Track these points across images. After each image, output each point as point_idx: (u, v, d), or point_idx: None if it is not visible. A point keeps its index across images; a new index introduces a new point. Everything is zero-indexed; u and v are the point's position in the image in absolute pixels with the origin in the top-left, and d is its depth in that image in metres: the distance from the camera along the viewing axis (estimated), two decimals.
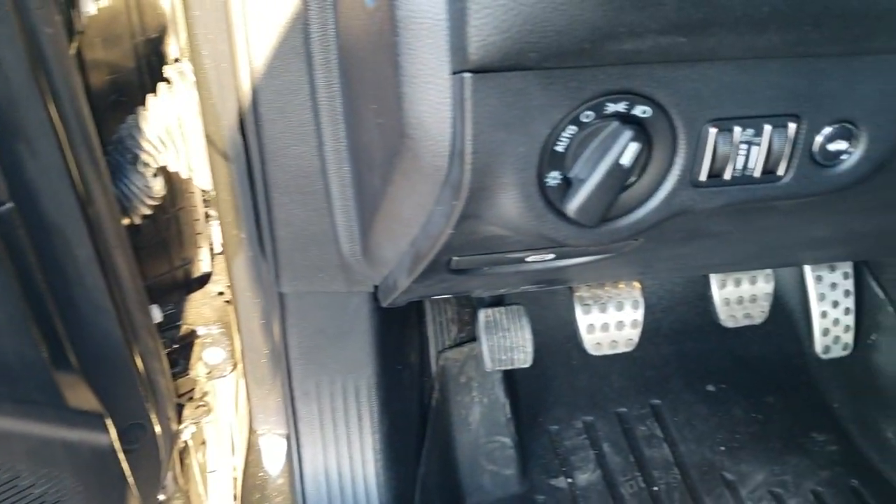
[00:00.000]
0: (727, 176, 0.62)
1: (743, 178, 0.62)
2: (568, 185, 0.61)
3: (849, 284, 1.52)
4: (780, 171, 0.62)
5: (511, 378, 1.54)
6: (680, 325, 1.68)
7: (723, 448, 1.51)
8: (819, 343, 1.52)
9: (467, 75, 0.53)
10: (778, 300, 1.68)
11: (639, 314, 1.36)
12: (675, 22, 0.51)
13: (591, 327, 1.36)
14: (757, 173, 0.62)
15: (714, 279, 1.42)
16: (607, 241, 0.64)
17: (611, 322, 1.36)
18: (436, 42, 0.54)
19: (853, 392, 1.56)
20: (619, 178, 0.59)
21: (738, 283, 1.42)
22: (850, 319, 1.52)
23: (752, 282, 1.43)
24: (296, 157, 0.90)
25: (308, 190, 0.93)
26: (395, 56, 0.58)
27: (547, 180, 0.60)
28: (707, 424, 1.55)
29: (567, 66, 0.54)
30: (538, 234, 0.63)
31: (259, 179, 0.94)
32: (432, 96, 0.57)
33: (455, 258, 0.76)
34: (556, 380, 1.65)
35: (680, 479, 1.46)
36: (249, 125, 0.90)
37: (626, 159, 0.58)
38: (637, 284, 1.38)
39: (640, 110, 0.57)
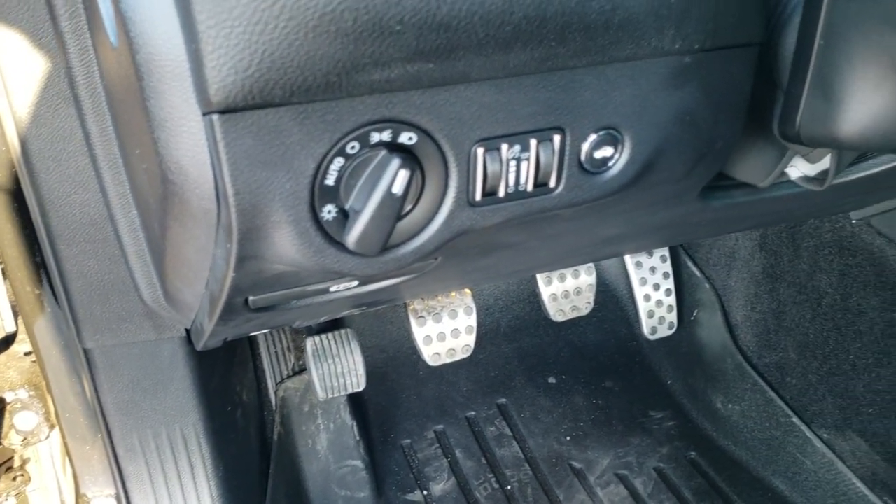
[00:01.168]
0: (501, 193, 0.62)
1: (517, 194, 0.63)
2: (345, 216, 0.59)
3: (667, 267, 1.60)
4: (552, 184, 0.63)
5: (358, 398, 1.52)
6: (517, 323, 1.71)
7: (569, 438, 1.55)
8: (646, 325, 1.58)
9: (216, 117, 0.51)
10: (605, 288, 1.75)
11: (472, 319, 1.37)
12: (418, 49, 0.51)
13: (427, 339, 1.36)
14: (529, 188, 0.63)
15: (539, 277, 1.45)
16: (394, 268, 0.63)
17: (446, 331, 1.36)
18: (180, 85, 0.52)
19: (683, 368, 1.64)
20: (393, 207, 0.58)
21: (562, 278, 1.46)
22: (671, 300, 1.60)
23: (576, 276, 1.47)
24: (79, 206, 0.85)
25: (98, 238, 0.87)
26: (143, 100, 0.54)
27: (322, 214, 0.58)
28: (552, 416, 1.59)
29: (319, 100, 0.52)
30: (322, 269, 0.61)
31: (43, 233, 0.87)
32: (186, 139, 0.54)
33: (251, 297, 0.73)
34: (405, 392, 1.64)
35: (531, 475, 1.49)
36: (24, 177, 0.84)
37: (398, 188, 0.57)
38: (468, 291, 1.39)
39: (406, 137, 0.57)
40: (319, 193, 0.57)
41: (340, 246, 0.60)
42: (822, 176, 0.88)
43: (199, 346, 0.95)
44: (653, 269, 1.59)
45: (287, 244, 0.59)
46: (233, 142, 0.52)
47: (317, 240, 0.59)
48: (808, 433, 1.35)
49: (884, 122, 0.62)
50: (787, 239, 1.36)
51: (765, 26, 0.68)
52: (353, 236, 0.59)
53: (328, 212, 0.58)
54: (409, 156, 0.57)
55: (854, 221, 1.24)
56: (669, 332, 1.60)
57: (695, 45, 0.61)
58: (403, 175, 0.57)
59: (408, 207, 0.60)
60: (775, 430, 1.41)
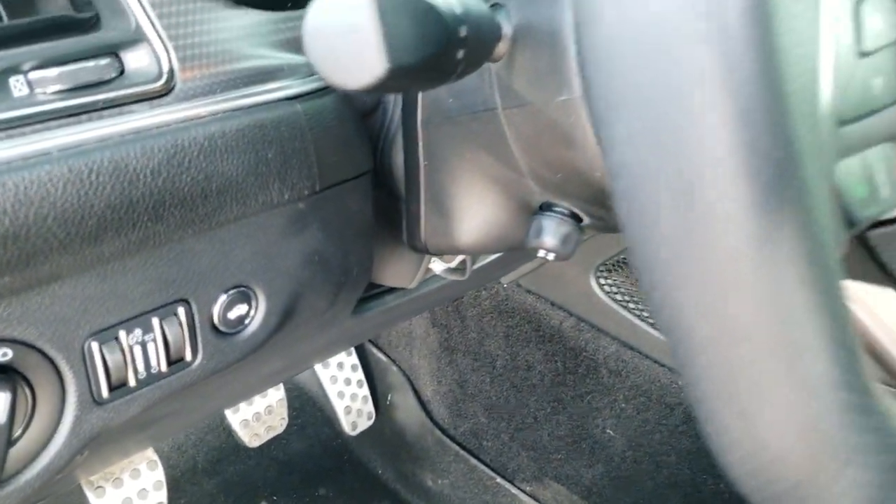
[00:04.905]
0: (132, 383, 0.56)
1: (151, 378, 0.57)
2: None
3: (353, 359, 1.60)
4: (188, 357, 0.59)
5: None
6: (215, 454, 1.61)
7: None
8: (345, 422, 1.57)
9: None
10: (300, 392, 1.71)
11: (159, 473, 1.26)
12: None
13: None
14: (164, 368, 0.57)
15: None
16: (18, 500, 0.54)
17: (132, 495, 1.23)
18: None
19: (390, 454, 1.65)
20: None
21: (250, 401, 1.40)
22: (364, 390, 1.60)
23: (263, 395, 1.42)
24: None
25: None
26: None
27: None
28: None
29: None
30: None
31: None
32: None
33: None
34: None
35: None
36: None
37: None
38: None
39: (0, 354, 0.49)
40: None
41: None
42: (462, 266, 0.93)
43: None
44: (340, 365, 1.58)
45: None
46: None
47: None
48: (514, 490, 1.42)
49: (494, 229, 0.66)
50: (454, 312, 1.43)
51: (372, 153, 0.70)
52: None
53: None
54: (7, 374, 0.50)
55: (506, 285, 1.34)
56: (369, 423, 1.60)
57: (304, 192, 0.60)
58: (4, 399, 0.49)
59: (18, 431, 0.52)
60: (484, 494, 1.46)
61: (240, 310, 0.61)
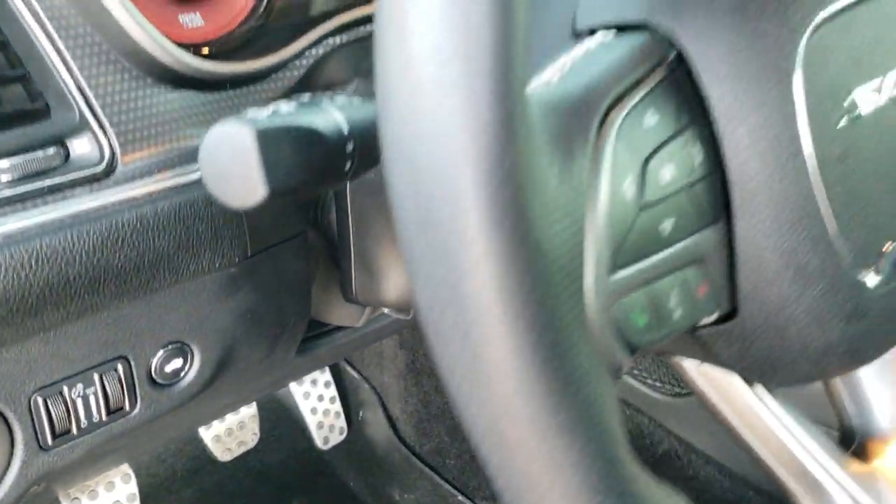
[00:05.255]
0: (75, 431, 0.63)
1: (92, 426, 0.64)
2: None
3: (327, 376, 1.67)
4: (127, 407, 0.65)
5: None
6: (194, 464, 1.67)
7: None
8: (317, 437, 1.64)
9: None
10: (277, 405, 1.77)
11: (132, 486, 1.33)
12: None
13: None
14: (104, 417, 0.64)
15: None
16: None
17: None
18: None
19: (361, 468, 1.71)
20: None
21: (222, 418, 1.47)
22: (337, 406, 1.67)
23: (236, 412, 1.49)
24: None
25: None
26: None
27: None
28: None
29: None
30: None
31: None
32: None
33: None
34: None
35: None
36: None
37: None
38: None
39: None
40: None
41: None
42: (407, 306, 0.99)
43: None
44: (314, 382, 1.65)
45: None
46: None
47: None
48: None
49: None
50: (420, 334, 1.49)
51: (305, 215, 0.76)
52: None
53: None
54: None
55: None
56: (341, 438, 1.67)
57: (236, 259, 0.66)
58: None
59: None
60: None
61: (176, 363, 0.67)
